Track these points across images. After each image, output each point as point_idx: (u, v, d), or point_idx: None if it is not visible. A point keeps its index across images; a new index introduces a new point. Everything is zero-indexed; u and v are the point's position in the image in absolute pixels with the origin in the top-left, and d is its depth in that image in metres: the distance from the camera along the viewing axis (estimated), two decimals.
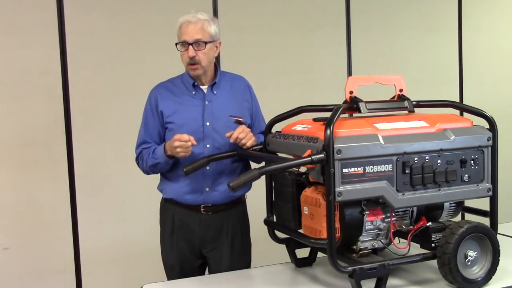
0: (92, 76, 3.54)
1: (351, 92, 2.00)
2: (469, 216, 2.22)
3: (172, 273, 2.46)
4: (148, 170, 2.42)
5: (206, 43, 2.31)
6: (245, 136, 2.29)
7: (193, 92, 2.41)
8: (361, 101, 1.98)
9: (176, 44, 2.35)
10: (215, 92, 2.42)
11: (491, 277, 1.97)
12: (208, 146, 2.36)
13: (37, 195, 3.44)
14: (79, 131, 3.49)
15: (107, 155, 3.59)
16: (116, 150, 3.60)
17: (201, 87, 2.42)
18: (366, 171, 1.84)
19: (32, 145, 3.42)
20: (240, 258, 2.47)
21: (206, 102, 2.39)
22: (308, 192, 2.00)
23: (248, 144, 2.29)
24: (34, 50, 3.40)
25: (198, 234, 2.42)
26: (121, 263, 3.61)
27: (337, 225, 1.90)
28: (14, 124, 3.39)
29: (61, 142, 3.47)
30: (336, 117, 1.81)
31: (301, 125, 2.10)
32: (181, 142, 2.22)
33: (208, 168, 2.35)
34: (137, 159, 2.47)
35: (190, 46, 2.30)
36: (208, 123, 2.37)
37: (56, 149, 3.46)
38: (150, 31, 3.66)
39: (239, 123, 2.39)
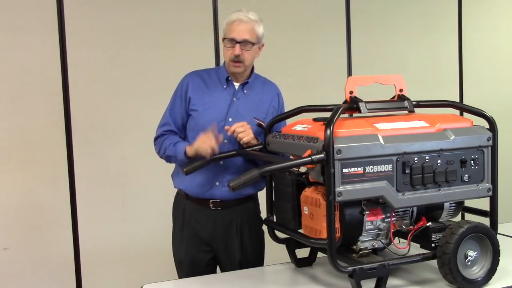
0: (92, 76, 3.54)
1: (351, 92, 2.00)
2: (469, 216, 2.22)
3: (182, 267, 2.47)
4: (163, 157, 2.45)
5: (253, 44, 2.34)
6: (243, 131, 2.29)
7: (224, 86, 2.42)
8: (361, 101, 1.98)
9: (223, 39, 2.37)
10: (245, 91, 2.43)
11: (491, 277, 1.97)
12: (225, 141, 2.36)
13: (37, 195, 3.44)
14: (79, 131, 3.49)
15: (107, 155, 3.59)
16: (116, 150, 3.60)
17: (234, 83, 2.43)
18: (366, 171, 1.84)
19: (32, 145, 3.42)
20: (250, 255, 2.47)
21: (234, 99, 2.41)
22: (308, 192, 2.00)
23: (245, 139, 2.29)
24: (34, 50, 3.40)
25: (207, 229, 2.43)
26: (121, 263, 3.61)
27: (337, 225, 1.90)
28: (14, 124, 3.39)
29: (61, 142, 3.47)
30: (336, 117, 1.81)
31: (301, 125, 2.10)
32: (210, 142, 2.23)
33: (221, 162, 2.36)
34: (156, 139, 2.48)
35: (237, 44, 2.32)
36: (231, 119, 2.38)
37: (56, 149, 3.46)
38: (150, 31, 3.66)
39: (261, 126, 2.39)
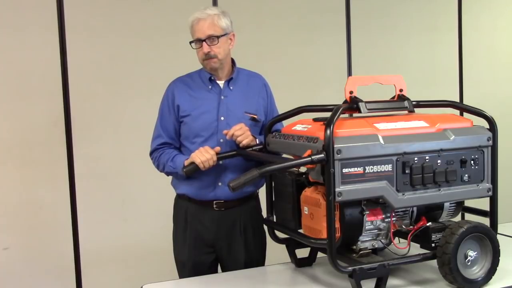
0: (92, 76, 3.54)
1: (351, 92, 2.00)
2: (469, 216, 2.22)
3: (184, 269, 2.46)
4: (163, 172, 2.45)
5: (218, 37, 2.32)
6: (242, 134, 2.29)
7: (209, 87, 2.41)
8: (361, 101, 1.98)
9: (190, 42, 2.37)
10: (231, 87, 2.42)
11: (491, 277, 1.97)
12: (221, 141, 2.36)
13: (37, 195, 3.44)
14: (79, 131, 3.49)
15: (107, 155, 3.59)
16: (116, 150, 3.60)
17: (218, 81, 2.43)
18: (366, 171, 1.84)
19: (32, 145, 3.42)
20: (254, 254, 2.47)
21: (222, 97, 2.40)
22: (308, 192, 2.00)
23: (244, 142, 2.29)
24: (34, 50, 3.40)
25: (211, 230, 2.42)
26: (121, 263, 3.61)
27: (337, 225, 1.90)
28: (14, 124, 3.39)
29: (61, 142, 3.47)
30: (336, 117, 1.81)
31: (301, 125, 2.10)
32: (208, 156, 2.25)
33: (221, 162, 2.35)
34: (151, 153, 2.48)
35: (204, 43, 2.31)
36: (222, 118, 2.37)
37: (56, 149, 3.46)
38: (150, 31, 3.66)
39: (254, 120, 2.39)
